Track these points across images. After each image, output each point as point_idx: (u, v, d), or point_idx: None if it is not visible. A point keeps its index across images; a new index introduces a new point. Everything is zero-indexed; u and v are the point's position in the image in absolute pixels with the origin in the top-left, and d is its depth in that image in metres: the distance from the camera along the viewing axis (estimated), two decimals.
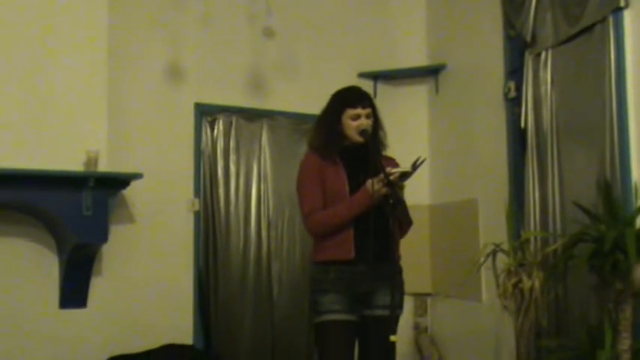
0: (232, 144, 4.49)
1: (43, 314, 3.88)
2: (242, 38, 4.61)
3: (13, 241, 3.84)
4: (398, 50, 5.04)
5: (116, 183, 3.83)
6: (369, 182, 2.80)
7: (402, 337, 4.10)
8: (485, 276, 3.96)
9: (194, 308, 4.30)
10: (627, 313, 2.81)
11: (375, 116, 3.03)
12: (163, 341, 4.07)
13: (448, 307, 4.70)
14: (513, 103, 4.03)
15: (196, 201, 4.36)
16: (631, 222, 2.85)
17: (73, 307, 3.93)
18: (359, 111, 2.96)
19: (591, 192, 3.24)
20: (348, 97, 3.01)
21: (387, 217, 2.77)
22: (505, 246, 3.58)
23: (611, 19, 3.20)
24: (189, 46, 4.43)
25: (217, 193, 4.40)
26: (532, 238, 3.64)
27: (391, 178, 2.73)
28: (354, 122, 2.95)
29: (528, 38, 3.80)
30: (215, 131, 4.46)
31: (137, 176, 3.83)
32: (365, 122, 2.96)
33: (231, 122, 4.50)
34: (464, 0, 4.62)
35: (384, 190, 2.75)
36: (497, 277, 3.51)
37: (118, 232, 4.05)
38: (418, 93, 5.02)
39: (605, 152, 3.20)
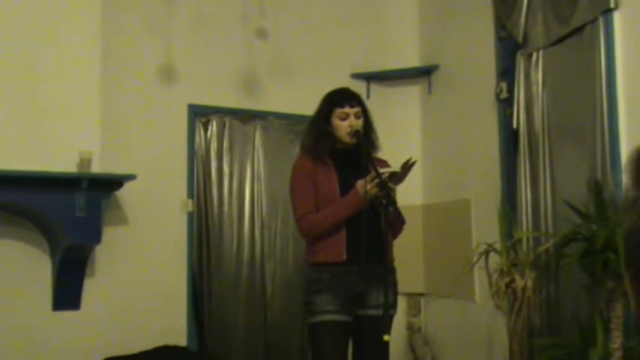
0: (226, 145, 4.49)
1: (37, 316, 3.88)
2: (235, 39, 4.61)
3: (5, 243, 3.84)
4: (390, 51, 5.05)
5: (109, 184, 3.83)
6: (359, 183, 2.81)
7: (396, 337, 4.11)
8: (478, 276, 3.97)
9: (188, 309, 4.30)
10: (618, 311, 2.83)
11: (365, 117, 3.03)
12: (157, 343, 4.07)
13: (441, 307, 4.71)
14: (505, 104, 4.04)
15: (190, 202, 4.36)
16: (621, 221, 2.86)
17: (67, 309, 3.93)
18: (347, 110, 2.96)
19: (582, 192, 3.25)
20: (336, 97, 3.01)
21: (380, 218, 2.78)
22: (498, 246, 3.59)
23: (601, 20, 3.22)
24: (183, 47, 4.43)
25: (211, 193, 4.41)
26: (524, 238, 3.65)
27: (382, 177, 2.73)
28: (344, 122, 2.95)
29: (520, 39, 3.83)
30: (208, 132, 4.47)
31: (130, 177, 3.83)
32: (354, 122, 2.95)
33: (224, 123, 4.50)
34: (456, 1, 4.64)
35: (375, 190, 2.76)
36: (489, 276, 3.52)
37: (111, 234, 4.04)
38: (411, 94, 5.03)
39: (596, 152, 3.22)
